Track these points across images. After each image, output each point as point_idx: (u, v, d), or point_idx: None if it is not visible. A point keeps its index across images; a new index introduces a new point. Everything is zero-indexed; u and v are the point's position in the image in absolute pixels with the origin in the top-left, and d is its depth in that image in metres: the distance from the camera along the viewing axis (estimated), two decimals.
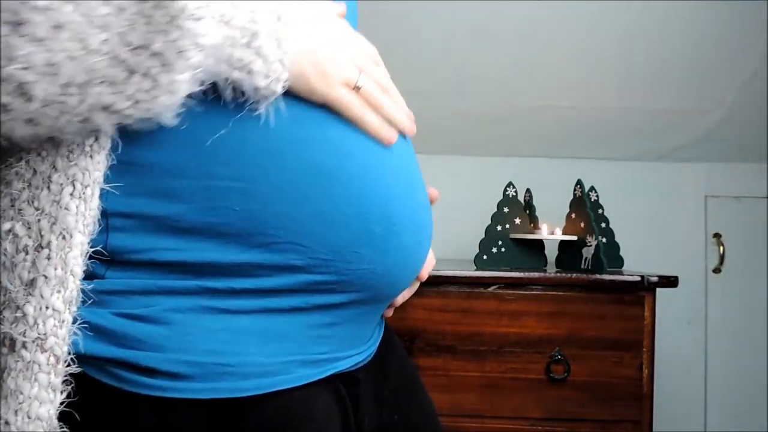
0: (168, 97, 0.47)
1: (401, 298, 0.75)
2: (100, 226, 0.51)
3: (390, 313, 0.78)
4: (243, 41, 0.50)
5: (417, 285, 0.76)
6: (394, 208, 0.60)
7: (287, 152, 0.54)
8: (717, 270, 2.08)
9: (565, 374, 1.42)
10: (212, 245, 0.53)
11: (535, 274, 1.44)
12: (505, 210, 1.61)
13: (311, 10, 0.57)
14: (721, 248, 2.07)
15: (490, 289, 1.44)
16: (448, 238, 1.92)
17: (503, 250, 1.60)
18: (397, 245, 0.60)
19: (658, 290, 1.44)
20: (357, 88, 0.58)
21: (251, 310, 0.54)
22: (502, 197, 1.62)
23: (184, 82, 0.47)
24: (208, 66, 0.49)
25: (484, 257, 1.60)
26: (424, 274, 0.73)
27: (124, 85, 0.45)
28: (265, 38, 0.50)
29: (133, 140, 0.51)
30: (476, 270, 1.49)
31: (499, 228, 1.61)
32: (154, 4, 0.45)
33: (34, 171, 0.48)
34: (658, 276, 1.42)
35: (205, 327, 0.52)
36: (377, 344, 0.71)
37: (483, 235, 1.61)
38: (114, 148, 0.50)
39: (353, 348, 0.64)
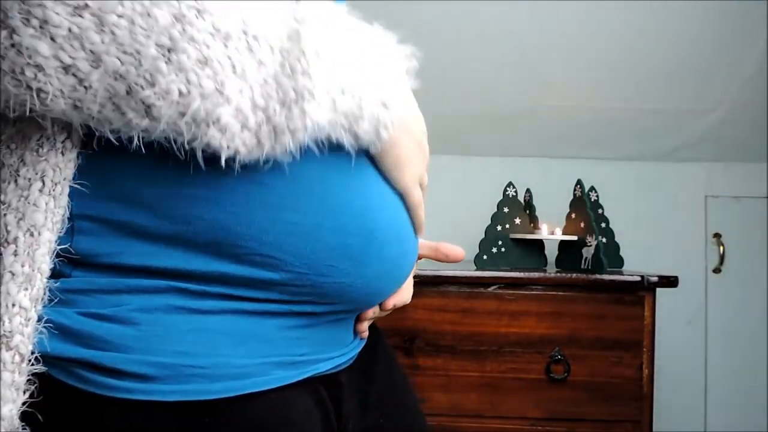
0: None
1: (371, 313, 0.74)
2: (66, 227, 0.49)
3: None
4: (345, 124, 0.52)
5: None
6: (374, 220, 0.58)
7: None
8: (717, 270, 2.08)
9: (565, 374, 1.42)
10: (180, 253, 0.52)
11: (535, 274, 1.44)
12: (505, 210, 1.61)
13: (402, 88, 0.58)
14: (721, 248, 2.07)
15: (490, 289, 1.44)
16: (448, 238, 1.92)
17: (503, 250, 1.61)
18: (379, 257, 0.59)
19: (658, 290, 1.44)
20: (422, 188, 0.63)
21: (224, 310, 0.53)
22: (502, 197, 1.62)
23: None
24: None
25: (484, 257, 1.60)
26: (389, 303, 0.71)
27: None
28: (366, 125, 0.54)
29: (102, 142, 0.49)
30: (476, 270, 1.49)
31: (499, 228, 1.61)
32: (288, 71, 0.47)
33: (1, 163, 0.47)
34: (658, 276, 1.42)
35: (175, 327, 0.51)
36: (360, 347, 0.70)
37: (483, 235, 1.61)
38: (84, 147, 0.49)
39: (334, 350, 0.62)
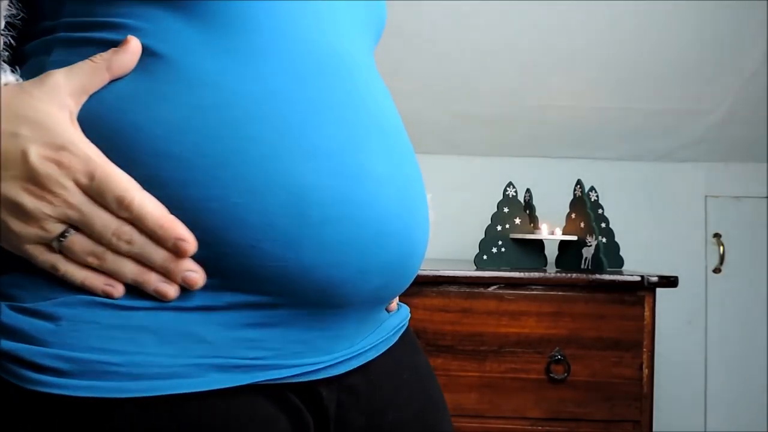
0: None
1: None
2: None
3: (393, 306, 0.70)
4: None
5: None
6: (313, 197, 0.52)
7: (181, 131, 0.51)
8: (717, 270, 2.08)
9: (565, 374, 1.42)
10: None
11: (535, 274, 1.44)
12: (505, 210, 1.61)
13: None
14: (721, 248, 2.07)
15: (490, 289, 1.44)
16: (448, 238, 1.92)
17: (503, 250, 1.60)
18: (320, 241, 0.53)
19: (658, 290, 1.44)
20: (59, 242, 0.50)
21: (152, 307, 0.51)
22: (502, 197, 1.62)
23: None
24: None
25: (484, 257, 1.60)
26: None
27: None
28: None
29: None
30: (476, 270, 1.49)
31: (499, 228, 1.61)
32: None
33: None
34: (658, 276, 1.42)
35: (96, 323, 0.50)
36: (361, 358, 0.63)
37: (483, 235, 1.61)
38: None
39: (307, 356, 0.57)
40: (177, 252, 0.50)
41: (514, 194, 1.62)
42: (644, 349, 1.43)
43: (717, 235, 2.08)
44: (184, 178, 0.51)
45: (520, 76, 1.92)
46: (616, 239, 1.63)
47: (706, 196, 2.09)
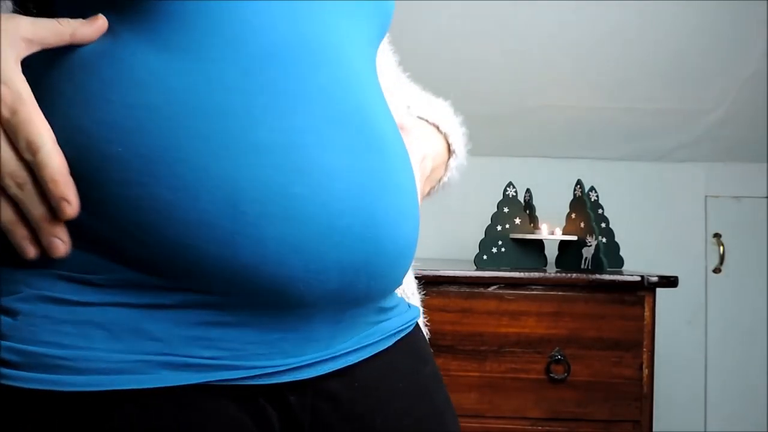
0: None
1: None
2: None
3: None
4: None
5: None
6: (249, 193, 0.51)
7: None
8: (717, 270, 2.08)
9: (565, 374, 1.42)
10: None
11: (535, 274, 1.44)
12: (505, 210, 1.61)
13: None
14: (721, 248, 2.07)
15: (490, 289, 1.44)
16: (448, 238, 1.92)
17: (503, 250, 1.60)
18: (257, 239, 0.51)
19: (658, 290, 1.44)
20: None
21: (103, 302, 0.51)
22: (502, 197, 1.62)
23: None
24: None
25: (484, 257, 1.60)
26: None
27: None
28: None
29: None
30: (476, 270, 1.49)
31: (499, 228, 1.61)
32: None
33: None
34: (658, 276, 1.42)
35: (50, 318, 0.51)
36: (339, 362, 0.60)
37: (483, 235, 1.61)
38: None
39: (268, 359, 0.55)
40: (58, 210, 0.50)
41: (514, 194, 1.62)
42: (644, 349, 1.43)
43: (717, 235, 2.08)
44: (122, 178, 0.50)
45: (520, 76, 1.92)
46: (616, 239, 1.63)
47: (706, 196, 2.09)
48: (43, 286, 0.51)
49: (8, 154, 0.49)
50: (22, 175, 0.49)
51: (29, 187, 0.50)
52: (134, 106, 0.51)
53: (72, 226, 0.51)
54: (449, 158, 0.83)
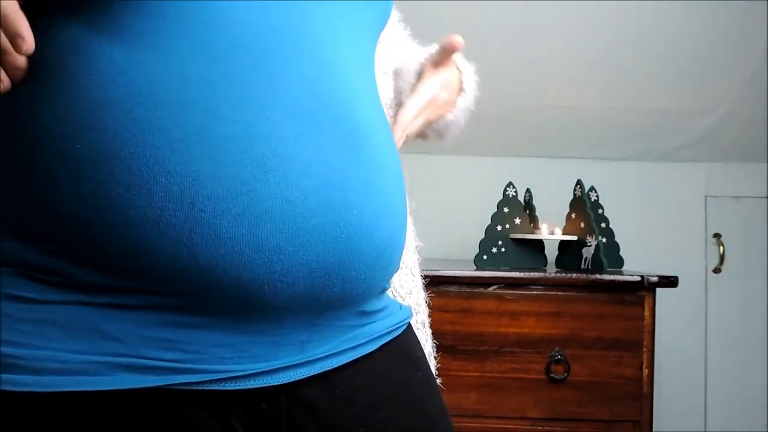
0: None
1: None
2: None
3: None
4: None
5: None
6: (206, 189, 0.48)
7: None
8: (717, 270, 2.08)
9: (565, 374, 1.42)
10: (20, 242, 0.51)
11: (535, 274, 1.44)
12: (505, 210, 1.61)
13: None
14: (721, 248, 2.07)
15: (490, 289, 1.44)
16: (448, 238, 1.92)
17: (503, 250, 1.60)
18: (215, 238, 0.48)
19: (658, 290, 1.44)
20: None
21: (64, 301, 0.50)
22: (502, 197, 1.62)
23: None
24: None
25: (484, 257, 1.60)
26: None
27: None
28: None
29: None
30: (476, 270, 1.49)
31: (499, 228, 1.61)
32: None
33: None
34: (658, 276, 1.42)
35: (9, 316, 0.49)
36: (315, 367, 0.57)
37: (483, 235, 1.61)
38: None
39: (235, 363, 0.52)
40: (14, 45, 0.48)
41: (514, 194, 1.62)
42: (644, 349, 1.43)
43: (717, 235, 2.08)
44: (79, 175, 0.49)
45: (520, 76, 1.92)
46: (616, 239, 1.62)
47: (706, 196, 2.09)
48: (3, 283, 0.50)
49: None
50: None
51: None
52: (95, 101, 0.49)
53: (30, 225, 0.50)
54: (458, 96, 0.84)
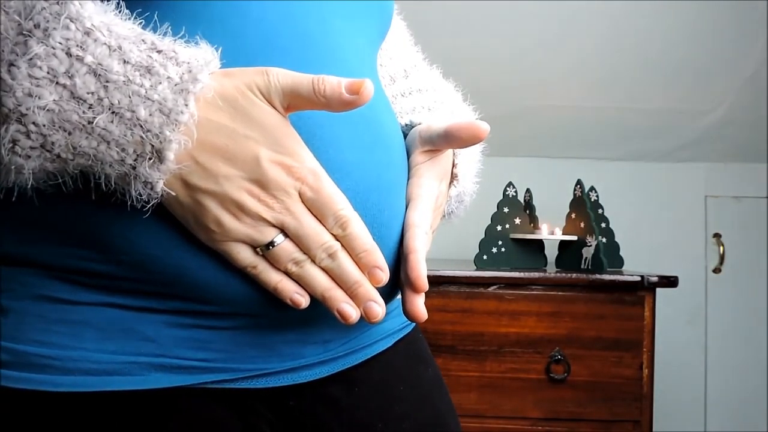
0: None
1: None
2: None
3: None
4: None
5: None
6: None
7: None
8: (717, 270, 2.08)
9: (565, 374, 1.42)
10: (55, 247, 0.51)
11: (535, 274, 1.44)
12: (505, 210, 1.61)
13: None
14: (721, 248, 2.07)
15: (490, 289, 1.44)
16: (448, 238, 1.92)
17: (503, 250, 1.60)
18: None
19: (658, 290, 1.44)
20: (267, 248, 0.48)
21: (98, 303, 0.50)
22: (502, 197, 1.62)
23: None
24: None
25: (484, 257, 1.60)
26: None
27: None
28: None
29: None
30: (476, 270, 1.49)
31: (499, 228, 1.61)
32: None
33: None
34: (658, 276, 1.42)
35: (41, 317, 0.50)
36: (338, 364, 0.59)
37: (483, 235, 1.61)
38: None
39: (264, 362, 0.54)
40: (370, 277, 0.50)
41: (514, 194, 1.62)
42: (644, 349, 1.43)
43: (717, 235, 2.08)
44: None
45: (520, 76, 1.92)
46: (616, 239, 1.63)
47: (706, 196, 2.09)
48: (37, 284, 0.51)
49: (318, 230, 0.48)
50: (333, 245, 0.49)
51: (341, 256, 0.49)
52: None
53: (72, 234, 0.51)
54: (450, 184, 0.74)
